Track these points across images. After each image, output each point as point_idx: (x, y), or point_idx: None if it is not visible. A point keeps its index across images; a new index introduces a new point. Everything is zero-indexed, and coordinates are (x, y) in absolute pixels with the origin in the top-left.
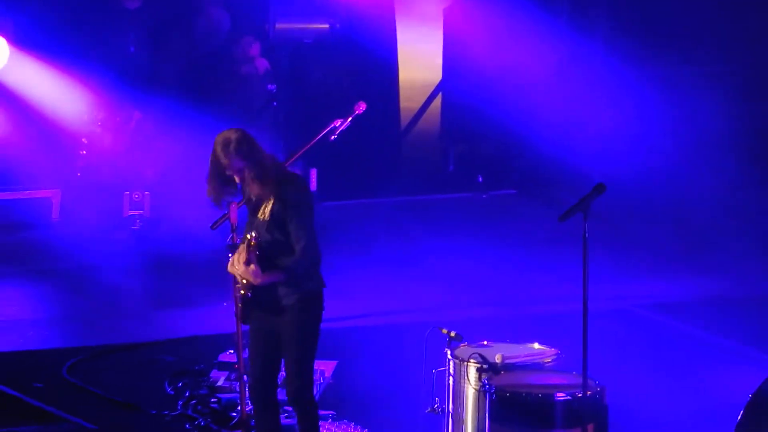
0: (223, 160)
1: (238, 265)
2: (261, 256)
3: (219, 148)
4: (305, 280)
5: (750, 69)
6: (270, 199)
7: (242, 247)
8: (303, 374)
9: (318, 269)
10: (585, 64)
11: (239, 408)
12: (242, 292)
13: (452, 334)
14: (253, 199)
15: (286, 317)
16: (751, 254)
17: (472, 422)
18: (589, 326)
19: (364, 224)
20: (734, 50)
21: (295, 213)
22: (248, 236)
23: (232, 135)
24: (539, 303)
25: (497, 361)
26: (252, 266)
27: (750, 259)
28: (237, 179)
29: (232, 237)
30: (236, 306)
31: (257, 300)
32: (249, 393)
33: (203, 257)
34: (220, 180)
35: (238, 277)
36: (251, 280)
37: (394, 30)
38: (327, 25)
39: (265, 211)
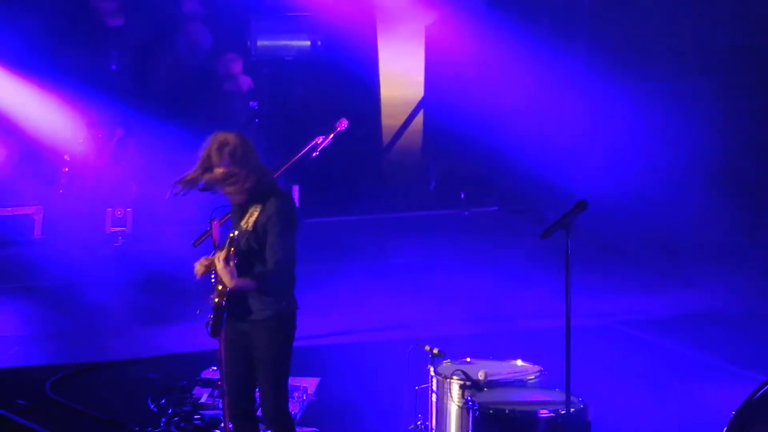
0: (215, 160)
1: (218, 261)
2: (237, 263)
3: (214, 147)
4: (279, 298)
5: (730, 85)
6: (254, 209)
7: (225, 246)
8: (278, 394)
9: (292, 290)
10: (566, 81)
11: (222, 425)
12: (216, 300)
13: (435, 351)
14: (237, 205)
15: (259, 335)
16: (734, 270)
17: None
18: (572, 342)
19: (347, 241)
20: (715, 67)
21: (277, 227)
22: (231, 235)
23: (231, 138)
24: (522, 319)
25: (480, 378)
26: (231, 264)
27: (732, 275)
28: (210, 176)
29: (214, 254)
30: (210, 320)
31: (231, 309)
32: (228, 411)
33: (185, 274)
34: (201, 172)
35: (216, 284)
36: (226, 281)
37: (376, 47)
38: (308, 42)
39: (249, 220)
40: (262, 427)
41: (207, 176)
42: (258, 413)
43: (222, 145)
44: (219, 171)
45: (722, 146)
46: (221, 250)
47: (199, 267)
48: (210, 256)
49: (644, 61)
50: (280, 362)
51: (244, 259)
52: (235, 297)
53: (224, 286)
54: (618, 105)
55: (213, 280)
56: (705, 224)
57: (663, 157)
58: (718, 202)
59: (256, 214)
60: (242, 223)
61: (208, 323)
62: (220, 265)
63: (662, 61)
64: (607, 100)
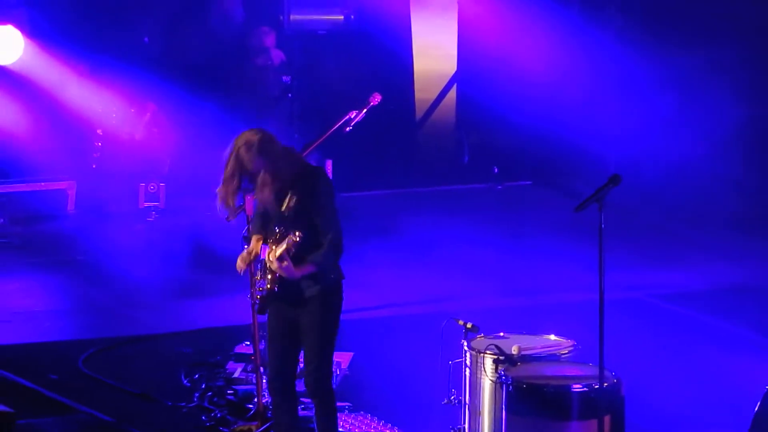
0: (247, 164)
1: (272, 262)
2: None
3: (243, 150)
4: (326, 272)
5: (763, 55)
6: (292, 191)
7: (277, 245)
8: (322, 365)
9: (338, 262)
10: (599, 54)
11: (255, 400)
12: (268, 286)
13: (468, 325)
14: (268, 197)
15: (307, 309)
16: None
17: (489, 414)
18: (606, 317)
19: (379, 215)
20: (747, 37)
21: (321, 205)
22: (292, 236)
23: (254, 136)
24: (555, 293)
25: (514, 352)
26: (285, 262)
27: (765, 247)
28: (258, 183)
29: (248, 228)
30: (253, 297)
31: (280, 293)
32: (267, 384)
33: (219, 248)
34: (238, 181)
35: (266, 269)
36: (285, 275)
37: (409, 21)
38: (341, 17)
39: (289, 204)
40: (300, 401)
41: (243, 180)
42: (298, 388)
43: (249, 145)
44: (260, 173)
45: (754, 116)
46: (280, 241)
47: (241, 263)
48: (249, 249)
49: (676, 33)
50: (327, 332)
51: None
52: (286, 280)
53: (275, 274)
54: (650, 77)
55: (260, 269)
56: (737, 196)
57: (695, 129)
58: (751, 173)
59: (293, 197)
60: (282, 207)
61: (255, 303)
62: (275, 265)
63: (694, 32)
64: (639, 72)
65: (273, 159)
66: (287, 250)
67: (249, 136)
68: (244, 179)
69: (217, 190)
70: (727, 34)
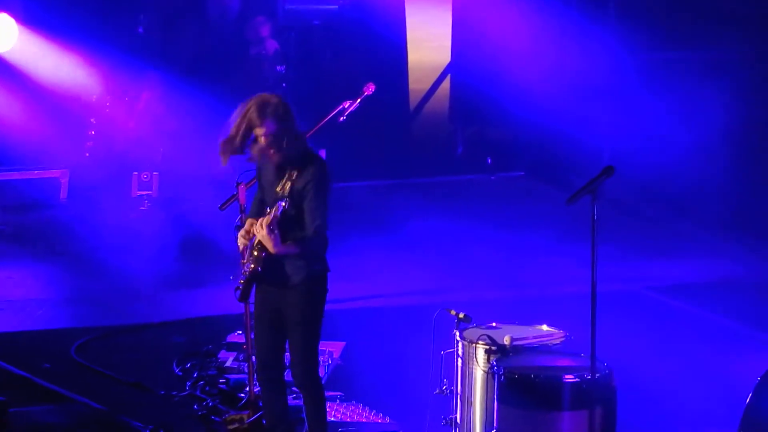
0: (256, 121)
1: (260, 228)
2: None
3: (254, 108)
4: (312, 260)
5: (761, 53)
6: (290, 174)
7: (269, 212)
8: (309, 356)
9: (324, 253)
10: (594, 47)
11: (247, 389)
12: (252, 266)
13: (461, 315)
14: (271, 168)
15: (291, 298)
16: (760, 236)
17: (481, 404)
18: (598, 308)
19: (373, 206)
20: (745, 35)
21: (315, 193)
22: (281, 203)
23: (272, 98)
24: (548, 285)
25: (506, 342)
26: (276, 231)
27: (758, 241)
28: (256, 146)
29: (241, 218)
30: (241, 285)
31: (264, 275)
32: (256, 374)
33: (211, 238)
34: (241, 141)
35: (252, 250)
36: (269, 246)
37: (403, 11)
38: (336, 6)
39: (285, 186)
40: (289, 392)
41: (247, 138)
42: (286, 378)
43: (264, 105)
44: (260, 132)
45: (750, 113)
46: (264, 216)
47: (241, 239)
48: (247, 228)
49: (673, 29)
50: (312, 325)
51: (281, 224)
52: (271, 263)
53: (260, 252)
54: (646, 72)
55: (248, 247)
56: (731, 190)
57: (690, 124)
58: (745, 168)
59: (292, 179)
60: (277, 188)
61: (237, 288)
62: (263, 231)
63: (691, 29)
64: (635, 66)
65: (283, 127)
66: (274, 217)
67: (266, 96)
68: (247, 141)
69: (220, 143)
70: (725, 33)
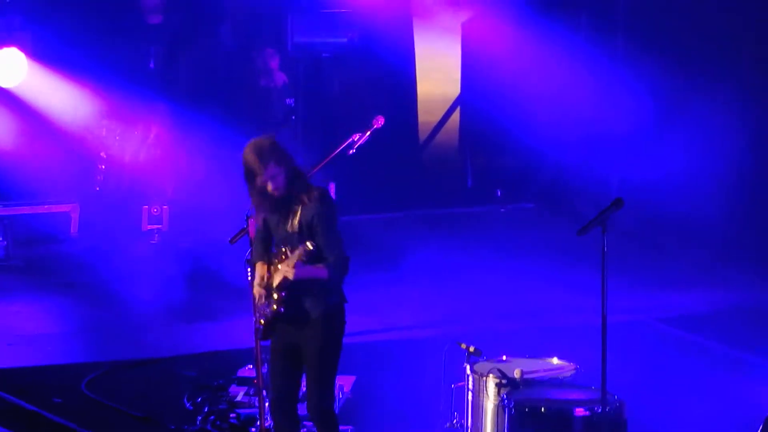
0: (258, 170)
1: (290, 273)
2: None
3: (252, 158)
4: (330, 293)
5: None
6: (295, 210)
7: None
8: (325, 389)
9: (341, 284)
10: (604, 77)
11: (258, 423)
12: (274, 307)
13: (471, 349)
14: (272, 209)
15: (309, 332)
16: None
17: None
18: (608, 339)
19: (383, 238)
20: (752, 63)
21: (326, 224)
22: (303, 246)
23: (264, 142)
24: (558, 316)
25: (516, 376)
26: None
27: None
28: (267, 187)
29: (251, 251)
30: (257, 323)
31: (284, 314)
32: (270, 408)
33: (222, 271)
34: (259, 192)
35: (271, 292)
36: (290, 275)
37: (413, 43)
38: (345, 39)
39: (293, 222)
40: (303, 424)
41: (263, 179)
42: (300, 411)
43: (259, 151)
44: (264, 177)
45: (760, 143)
46: (286, 258)
47: (257, 288)
48: (261, 275)
49: (682, 57)
50: (329, 358)
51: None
52: (291, 300)
53: (281, 293)
54: (657, 101)
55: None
56: (741, 220)
57: (700, 153)
58: (755, 197)
59: (297, 214)
60: (287, 227)
61: (258, 329)
62: (291, 273)
63: (700, 56)
64: (645, 96)
65: (284, 165)
66: (300, 259)
67: (258, 142)
68: (263, 188)
69: (254, 205)
70: (733, 58)
